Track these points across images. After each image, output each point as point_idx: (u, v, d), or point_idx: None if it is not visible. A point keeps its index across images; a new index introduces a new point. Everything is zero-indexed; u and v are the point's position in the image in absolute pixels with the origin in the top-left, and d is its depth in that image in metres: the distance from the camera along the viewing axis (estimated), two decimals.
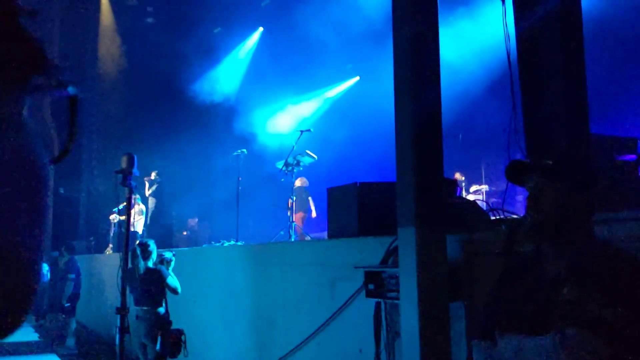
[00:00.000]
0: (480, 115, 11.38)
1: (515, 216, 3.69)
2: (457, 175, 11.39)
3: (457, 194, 4.29)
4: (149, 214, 13.12)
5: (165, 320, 6.10)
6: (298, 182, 12.61)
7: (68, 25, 18.18)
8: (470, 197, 10.93)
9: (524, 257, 2.13)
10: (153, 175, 13.18)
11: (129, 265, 6.21)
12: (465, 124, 11.73)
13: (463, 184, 11.44)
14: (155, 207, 13.10)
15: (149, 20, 17.56)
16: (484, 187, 11.32)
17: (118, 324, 4.42)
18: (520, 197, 9.08)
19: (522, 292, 1.88)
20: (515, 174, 2.01)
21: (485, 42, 10.70)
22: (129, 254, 6.25)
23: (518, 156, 3.88)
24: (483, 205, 4.26)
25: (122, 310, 4.36)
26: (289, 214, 8.66)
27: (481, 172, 11.56)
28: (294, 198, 8.75)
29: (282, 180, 8.79)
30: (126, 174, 4.46)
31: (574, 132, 3.59)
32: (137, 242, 6.72)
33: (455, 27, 12.12)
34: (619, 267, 1.71)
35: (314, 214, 11.26)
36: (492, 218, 3.87)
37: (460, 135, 11.77)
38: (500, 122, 3.88)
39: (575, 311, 1.65)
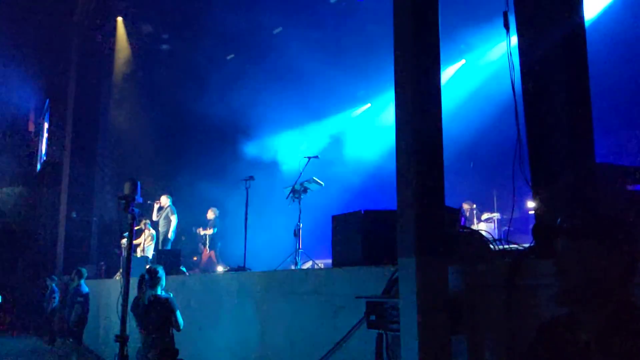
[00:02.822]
0: (492, 143, 11.35)
1: (519, 247, 3.62)
2: (465, 205, 11.31)
3: (462, 223, 4.23)
4: (161, 239, 13.14)
5: (171, 349, 6.05)
6: (210, 214, 12.87)
7: (84, 52, 18.55)
8: (482, 225, 10.83)
9: (555, 321, 1.95)
10: (163, 199, 13.22)
11: (138, 292, 6.19)
12: (476, 152, 11.69)
13: (475, 211, 11.35)
14: (166, 231, 13.11)
15: (164, 47, 17.85)
16: (496, 215, 11.22)
17: (117, 352, 4.37)
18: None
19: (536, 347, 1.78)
20: (541, 236, 1.89)
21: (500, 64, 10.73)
22: (138, 280, 6.25)
23: (523, 186, 3.83)
24: (494, 233, 4.20)
25: (122, 337, 4.31)
26: (296, 240, 8.63)
27: (493, 200, 11.46)
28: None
29: (289, 206, 8.77)
30: (129, 200, 4.45)
31: (579, 161, 3.54)
32: (147, 268, 6.66)
33: (465, 55, 12.20)
34: None
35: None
36: (497, 248, 3.80)
37: (472, 164, 11.71)
38: (510, 150, 3.83)
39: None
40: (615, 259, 1.69)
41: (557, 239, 1.77)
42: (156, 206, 13.11)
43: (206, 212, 13.55)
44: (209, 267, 12.84)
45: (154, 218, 13.12)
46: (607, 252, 1.69)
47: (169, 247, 12.74)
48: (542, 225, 1.91)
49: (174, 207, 13.17)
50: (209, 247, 13.25)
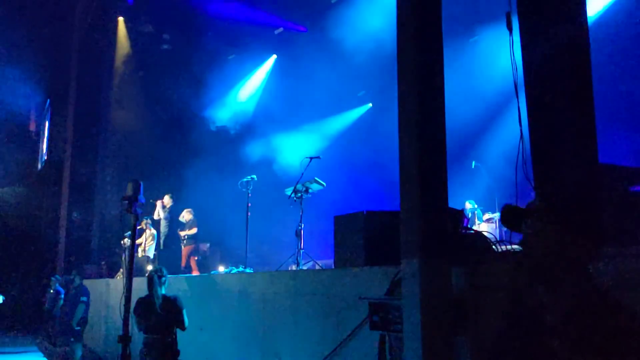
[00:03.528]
0: (494, 143, 11.36)
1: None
2: (468, 205, 11.31)
3: (465, 224, 4.23)
4: (162, 238, 13.12)
5: (174, 349, 6.05)
6: (188, 215, 12.77)
7: (85, 52, 18.55)
8: (483, 226, 10.81)
9: (521, 307, 1.98)
10: (166, 199, 13.21)
11: (147, 292, 6.18)
12: (479, 151, 11.69)
13: (476, 212, 11.34)
14: (168, 231, 13.10)
15: (165, 46, 17.84)
16: (497, 216, 11.20)
17: (120, 352, 4.36)
18: None
19: (521, 338, 1.79)
20: (509, 219, 1.93)
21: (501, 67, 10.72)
22: (146, 280, 6.24)
23: (527, 188, 3.83)
24: (495, 233, 4.19)
25: (125, 338, 4.31)
26: (297, 241, 8.62)
27: (494, 200, 11.45)
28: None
29: (291, 207, 8.76)
30: (132, 201, 4.45)
31: (582, 163, 3.53)
32: (154, 269, 6.62)
33: (469, 54, 12.18)
34: (617, 323, 1.58)
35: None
36: (500, 249, 3.79)
37: (474, 163, 11.71)
38: (512, 150, 3.82)
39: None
40: (578, 243, 1.73)
41: (524, 221, 1.82)
42: (158, 205, 13.10)
43: (180, 214, 13.28)
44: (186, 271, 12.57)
45: (156, 217, 13.11)
46: (570, 236, 1.74)
47: (169, 246, 12.72)
48: (510, 207, 1.96)
49: (175, 208, 13.16)
50: (191, 251, 13.00)
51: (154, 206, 13.12)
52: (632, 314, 1.65)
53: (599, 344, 1.52)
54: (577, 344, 1.54)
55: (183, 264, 12.65)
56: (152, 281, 6.13)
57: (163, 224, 13.12)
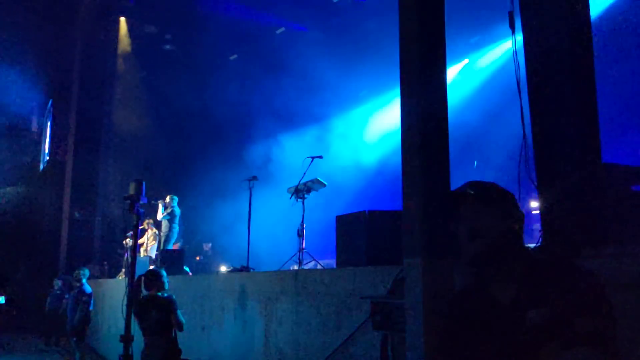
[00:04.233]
0: (497, 143, 11.33)
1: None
2: None
3: None
4: (163, 238, 13.13)
5: (174, 349, 6.05)
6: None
7: (87, 52, 18.58)
8: None
9: (466, 289, 2.03)
10: (167, 199, 13.22)
11: (143, 292, 6.19)
12: (481, 151, 11.68)
13: None
14: (169, 231, 13.10)
15: (167, 47, 17.87)
16: None
17: (122, 352, 4.36)
18: (537, 226, 8.90)
19: (475, 331, 1.81)
20: (451, 202, 1.96)
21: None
22: (142, 281, 6.24)
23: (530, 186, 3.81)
24: None
25: (126, 337, 4.31)
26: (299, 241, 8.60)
27: None
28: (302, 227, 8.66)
29: (293, 206, 8.75)
30: (134, 201, 4.45)
31: (585, 161, 3.52)
32: (147, 270, 6.63)
33: (469, 54, 12.19)
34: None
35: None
36: None
37: (475, 163, 11.70)
38: (515, 149, 3.81)
39: (552, 331, 1.57)
40: (509, 223, 1.82)
41: (462, 206, 1.89)
42: (160, 206, 13.11)
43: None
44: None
45: (159, 217, 13.11)
46: (501, 217, 1.82)
47: (170, 247, 12.72)
48: (448, 193, 2.04)
49: (177, 208, 13.16)
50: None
51: (156, 206, 13.12)
52: (622, 314, 1.69)
53: (588, 345, 1.55)
54: (565, 345, 1.57)
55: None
56: (139, 282, 6.14)
57: (164, 223, 13.13)
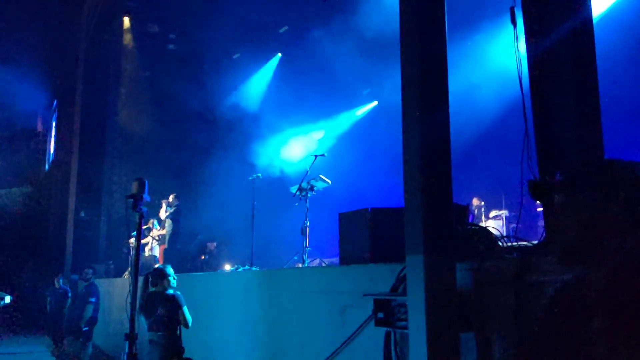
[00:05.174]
0: (500, 139, 11.28)
1: (528, 244, 3.60)
2: (475, 201, 11.25)
3: (470, 220, 4.20)
4: (167, 237, 13.14)
5: (178, 346, 6.07)
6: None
7: (91, 52, 18.62)
8: (490, 223, 10.76)
9: (543, 287, 1.83)
10: (171, 198, 13.23)
11: (149, 290, 6.22)
12: (484, 148, 11.64)
13: (483, 209, 11.29)
14: (173, 230, 13.12)
15: (170, 46, 17.90)
16: (504, 212, 11.14)
17: (127, 350, 4.37)
18: (542, 223, 8.86)
19: (544, 328, 1.69)
20: (537, 193, 1.79)
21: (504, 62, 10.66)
22: (149, 278, 6.28)
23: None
24: (502, 230, 4.17)
25: (131, 336, 4.32)
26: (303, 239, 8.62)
27: (501, 197, 11.39)
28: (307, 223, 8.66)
29: (296, 205, 8.76)
30: (137, 199, 4.45)
31: (587, 157, 3.50)
32: (154, 267, 6.68)
33: (472, 49, 12.15)
34: None
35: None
36: (505, 245, 3.77)
37: (478, 161, 11.65)
38: (519, 146, 3.79)
39: (603, 349, 1.41)
40: (613, 209, 1.50)
41: (552, 197, 1.66)
42: (164, 205, 13.13)
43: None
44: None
45: (162, 217, 13.14)
46: (603, 202, 1.52)
47: (176, 246, 12.73)
48: (537, 182, 1.81)
49: (181, 207, 13.18)
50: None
51: (160, 206, 13.15)
52: None
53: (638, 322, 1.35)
54: (616, 323, 1.39)
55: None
56: (147, 280, 6.19)
57: (168, 222, 13.15)
